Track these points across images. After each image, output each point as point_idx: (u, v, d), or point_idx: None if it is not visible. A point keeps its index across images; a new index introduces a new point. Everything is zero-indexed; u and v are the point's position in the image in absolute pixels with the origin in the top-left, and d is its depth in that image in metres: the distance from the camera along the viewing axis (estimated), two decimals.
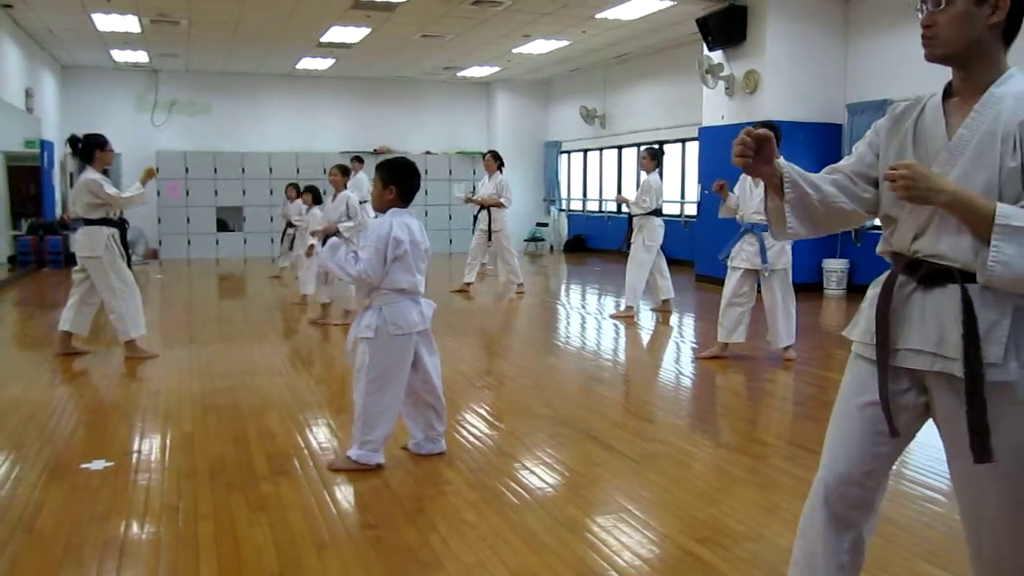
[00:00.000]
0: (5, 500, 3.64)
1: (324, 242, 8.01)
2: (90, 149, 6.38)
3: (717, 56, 11.24)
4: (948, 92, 2.03)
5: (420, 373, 4.05)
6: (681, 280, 11.10)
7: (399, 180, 3.97)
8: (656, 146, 10.02)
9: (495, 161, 10.78)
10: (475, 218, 11.01)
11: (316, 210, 9.70)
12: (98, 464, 4.09)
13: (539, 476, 3.94)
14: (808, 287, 10.18)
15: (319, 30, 12.62)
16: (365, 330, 3.90)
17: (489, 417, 5.02)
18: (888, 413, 1.99)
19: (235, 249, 16.57)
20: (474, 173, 17.40)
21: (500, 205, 10.58)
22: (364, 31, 12.64)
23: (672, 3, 10.95)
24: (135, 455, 4.26)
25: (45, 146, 13.87)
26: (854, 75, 10.63)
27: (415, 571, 2.95)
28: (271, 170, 16.62)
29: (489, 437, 4.60)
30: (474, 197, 11.04)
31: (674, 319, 8.84)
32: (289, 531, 3.28)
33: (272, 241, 15.79)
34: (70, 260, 14.00)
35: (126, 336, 6.52)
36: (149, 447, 4.40)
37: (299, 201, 11.88)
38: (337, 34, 12.87)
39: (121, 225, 6.58)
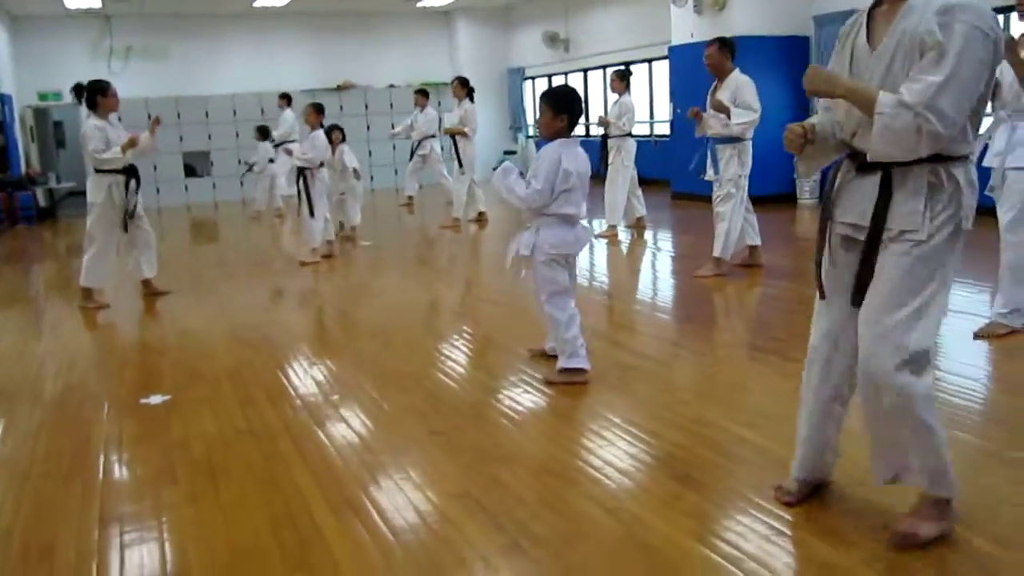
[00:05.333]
0: (84, 430, 3.89)
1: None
2: (92, 95, 6.49)
3: None
4: (878, 1, 2.36)
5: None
6: (657, 199, 11.41)
7: (569, 109, 4.09)
8: (623, 67, 10.18)
9: (463, 88, 10.50)
10: (413, 149, 11.91)
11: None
12: (156, 399, 4.31)
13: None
14: (781, 198, 10.55)
15: None
16: (523, 248, 4.14)
17: (511, 339, 5.31)
18: (818, 275, 2.54)
19: (205, 194, 16.48)
20: (439, 104, 17.37)
21: (463, 134, 10.46)
22: None
23: None
24: (188, 389, 4.47)
25: (4, 100, 13.60)
26: None
27: (490, 465, 3.25)
28: (235, 112, 16.45)
29: (517, 350, 4.88)
30: (397, 130, 12.89)
31: (653, 235, 9.19)
32: (363, 442, 3.57)
33: (241, 184, 15.73)
34: (43, 215, 13.95)
35: (83, 282, 6.53)
36: (200, 380, 4.61)
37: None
38: None
39: (129, 173, 6.63)
